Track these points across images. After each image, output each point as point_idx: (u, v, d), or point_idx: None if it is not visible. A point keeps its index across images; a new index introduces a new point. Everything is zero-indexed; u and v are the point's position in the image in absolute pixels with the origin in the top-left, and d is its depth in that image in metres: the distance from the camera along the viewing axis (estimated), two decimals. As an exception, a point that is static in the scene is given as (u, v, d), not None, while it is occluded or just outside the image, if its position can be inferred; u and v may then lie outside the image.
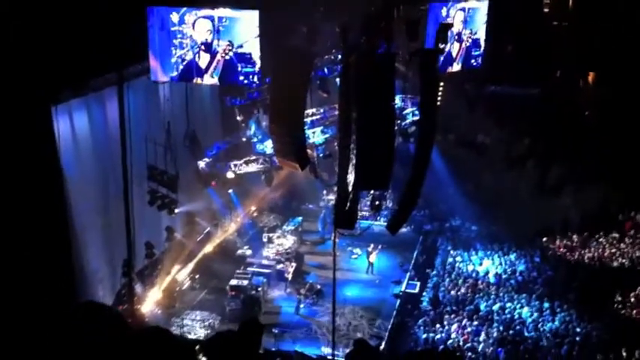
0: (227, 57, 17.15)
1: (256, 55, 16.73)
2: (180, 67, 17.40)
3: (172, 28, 17.25)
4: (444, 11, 19.23)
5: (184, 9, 16.97)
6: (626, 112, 26.35)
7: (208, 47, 17.14)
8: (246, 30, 16.91)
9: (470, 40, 20.10)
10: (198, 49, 17.15)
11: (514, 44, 21.34)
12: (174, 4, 17.36)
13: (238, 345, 8.68)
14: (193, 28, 17.17)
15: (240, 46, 17.05)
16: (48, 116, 15.82)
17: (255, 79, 17.18)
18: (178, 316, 21.90)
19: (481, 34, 20.64)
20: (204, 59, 17.27)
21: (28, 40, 13.91)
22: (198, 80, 17.63)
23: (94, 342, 5.49)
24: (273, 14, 16.46)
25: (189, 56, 17.25)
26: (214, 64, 17.26)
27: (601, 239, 26.55)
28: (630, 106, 26.38)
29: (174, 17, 17.10)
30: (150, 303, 21.65)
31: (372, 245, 25.30)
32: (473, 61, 20.86)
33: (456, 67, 20.14)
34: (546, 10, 21.22)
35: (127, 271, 19.79)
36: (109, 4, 15.25)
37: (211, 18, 17.01)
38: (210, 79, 17.56)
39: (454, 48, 19.75)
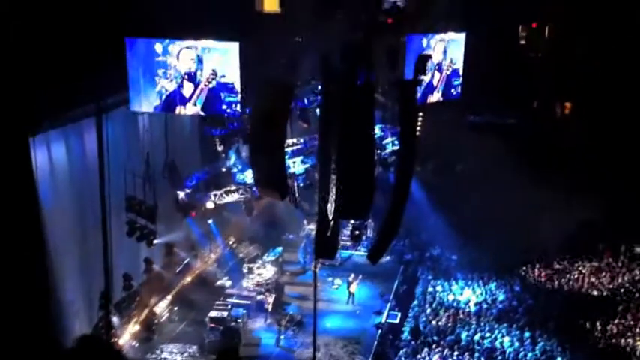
0: (210, 85, 17.39)
1: (238, 85, 16.87)
2: (164, 96, 17.59)
3: (157, 59, 17.48)
4: (424, 42, 19.51)
5: (167, 40, 17.12)
6: (603, 141, 26.75)
7: (192, 77, 17.39)
8: (228, 60, 17.15)
9: (450, 70, 20.39)
10: (181, 78, 17.34)
11: (491, 75, 21.67)
12: (155, 36, 17.45)
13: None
14: (177, 58, 17.37)
15: (223, 76, 17.28)
16: (26, 147, 15.66)
17: (238, 107, 17.36)
18: (157, 348, 21.59)
19: (460, 65, 20.92)
20: (187, 88, 17.53)
21: (5, 71, 13.83)
22: (182, 109, 17.80)
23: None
24: (253, 45, 16.58)
25: (172, 86, 17.39)
26: (198, 92, 17.51)
27: (580, 268, 26.75)
28: (606, 134, 26.79)
29: (158, 48, 17.40)
30: (128, 336, 21.31)
31: (352, 275, 25.24)
32: (453, 90, 21.12)
33: (437, 96, 20.37)
34: (522, 41, 21.64)
35: (105, 303, 19.49)
36: (88, 35, 15.27)
37: (195, 48, 17.23)
38: (193, 108, 17.74)
39: (435, 78, 19.98)
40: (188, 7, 17.25)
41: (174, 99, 17.64)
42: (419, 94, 18.26)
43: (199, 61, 17.30)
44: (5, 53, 13.89)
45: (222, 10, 17.14)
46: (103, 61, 15.88)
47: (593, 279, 26.08)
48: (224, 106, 17.52)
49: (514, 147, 26.65)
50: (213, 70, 17.23)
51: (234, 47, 17.16)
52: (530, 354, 21.26)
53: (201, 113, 18.08)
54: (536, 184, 25.53)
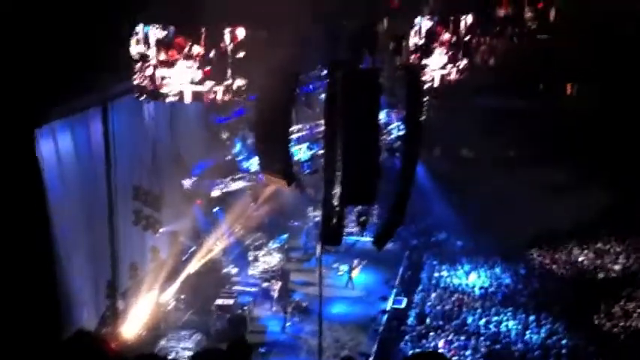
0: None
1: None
2: None
3: None
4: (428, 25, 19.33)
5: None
6: (611, 122, 26.62)
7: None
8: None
9: (456, 52, 20.21)
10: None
11: (499, 56, 21.57)
12: (160, 22, 17.34)
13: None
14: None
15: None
16: (31, 138, 15.67)
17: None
18: (163, 337, 21.65)
19: (466, 47, 20.76)
20: None
21: (10, 61, 13.80)
22: None
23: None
24: (258, 31, 16.52)
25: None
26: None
27: (586, 251, 26.78)
28: (614, 115, 26.66)
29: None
30: (134, 325, 21.38)
31: (355, 261, 25.30)
32: (459, 74, 20.94)
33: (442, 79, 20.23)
34: (529, 22, 21.49)
35: (111, 292, 19.65)
36: (93, 24, 15.23)
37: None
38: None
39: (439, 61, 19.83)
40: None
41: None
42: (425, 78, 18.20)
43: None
44: (9, 43, 13.87)
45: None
46: (108, 49, 15.87)
47: (598, 262, 26.12)
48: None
49: (522, 130, 26.61)
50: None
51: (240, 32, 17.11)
52: (535, 337, 21.35)
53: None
54: (543, 167, 25.54)
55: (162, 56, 15.40)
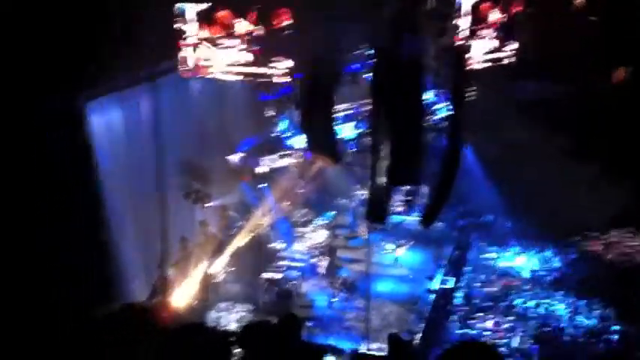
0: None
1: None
2: None
3: None
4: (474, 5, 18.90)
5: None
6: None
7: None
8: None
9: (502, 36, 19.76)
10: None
11: (546, 41, 20.92)
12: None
13: (278, 338, 8.77)
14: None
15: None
16: (82, 112, 16.10)
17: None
18: (213, 308, 22.09)
19: (514, 30, 20.26)
20: None
21: (59, 38, 14.13)
22: None
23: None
24: (303, 11, 16.48)
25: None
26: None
27: (637, 236, 26.00)
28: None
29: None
30: (185, 296, 21.88)
31: (402, 240, 25.20)
32: (507, 57, 20.47)
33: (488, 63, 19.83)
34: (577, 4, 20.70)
35: (162, 264, 20.13)
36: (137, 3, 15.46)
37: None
38: None
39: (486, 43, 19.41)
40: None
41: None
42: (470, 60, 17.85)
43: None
44: (58, 22, 14.19)
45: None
46: (155, 26, 16.10)
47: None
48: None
49: (569, 115, 25.84)
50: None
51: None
52: (586, 321, 20.99)
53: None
54: (592, 153, 24.82)
55: (205, 34, 15.48)
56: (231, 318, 21.79)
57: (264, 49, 16.51)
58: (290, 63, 16.69)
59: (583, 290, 22.61)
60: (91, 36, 14.68)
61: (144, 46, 15.85)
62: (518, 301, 22.19)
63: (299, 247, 25.53)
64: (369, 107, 17.05)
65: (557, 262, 24.90)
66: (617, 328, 20.53)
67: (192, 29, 16.46)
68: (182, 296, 21.83)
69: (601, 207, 25.28)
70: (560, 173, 24.93)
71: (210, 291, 23.07)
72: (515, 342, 20.05)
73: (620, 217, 26.16)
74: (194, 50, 16.96)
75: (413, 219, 24.68)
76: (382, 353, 18.69)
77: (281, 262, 24.14)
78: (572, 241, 26.09)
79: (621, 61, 25.98)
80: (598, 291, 22.47)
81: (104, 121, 17.44)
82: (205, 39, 16.78)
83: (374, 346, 19.09)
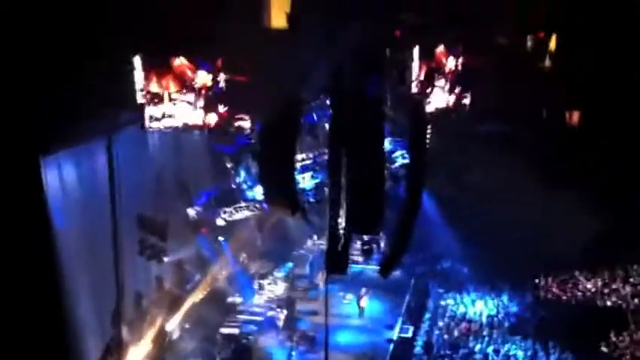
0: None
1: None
2: None
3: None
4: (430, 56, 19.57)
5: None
6: (615, 148, 26.50)
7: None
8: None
9: (457, 81, 20.41)
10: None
11: (500, 85, 21.68)
12: (163, 53, 17.59)
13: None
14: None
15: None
16: (36, 167, 15.76)
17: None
18: (168, 367, 21.51)
19: (467, 75, 20.96)
20: None
21: (15, 93, 13.94)
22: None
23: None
24: (261, 62, 16.71)
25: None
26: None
27: (592, 279, 26.56)
28: (618, 142, 26.56)
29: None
30: (139, 354, 21.24)
31: (363, 290, 25.15)
32: (461, 100, 21.11)
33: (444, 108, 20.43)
34: (528, 50, 21.62)
35: (116, 321, 19.57)
36: (97, 54, 15.41)
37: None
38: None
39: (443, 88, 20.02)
40: (194, 24, 17.40)
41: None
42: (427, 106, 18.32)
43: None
44: (15, 75, 14.01)
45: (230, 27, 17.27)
46: (113, 79, 16.05)
47: (606, 290, 25.89)
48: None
49: (524, 157, 26.56)
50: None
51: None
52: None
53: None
54: (547, 195, 25.45)
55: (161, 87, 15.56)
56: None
57: (223, 101, 16.61)
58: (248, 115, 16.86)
59: (540, 334, 22.82)
60: (47, 92, 14.52)
61: (100, 102, 15.75)
62: (477, 348, 22.23)
63: (257, 300, 25.22)
64: (327, 157, 17.16)
65: (514, 307, 25.12)
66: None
67: (149, 83, 16.49)
68: (137, 355, 21.21)
69: (557, 249, 25.85)
70: (515, 217, 25.51)
71: (165, 349, 22.48)
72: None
73: (577, 260, 26.76)
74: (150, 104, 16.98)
75: (372, 268, 24.70)
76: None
77: (239, 316, 23.78)
78: (529, 284, 26.50)
79: (575, 103, 27.02)
80: (555, 334, 22.74)
81: (59, 176, 17.10)
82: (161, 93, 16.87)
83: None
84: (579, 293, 26.06)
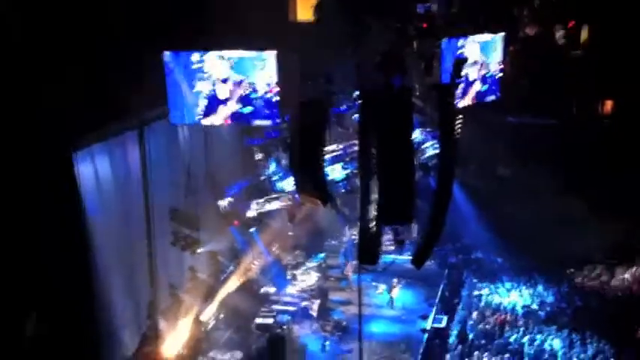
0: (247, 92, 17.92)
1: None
2: (205, 102, 18.27)
3: (193, 67, 17.95)
4: (459, 45, 19.37)
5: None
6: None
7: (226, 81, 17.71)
8: (264, 69, 17.48)
9: (487, 71, 20.17)
10: (219, 82, 17.97)
11: (530, 76, 21.36)
12: (191, 48, 17.77)
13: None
14: (214, 65, 17.74)
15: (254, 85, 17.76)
16: (70, 162, 16.02)
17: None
18: (204, 356, 21.73)
19: (498, 66, 20.74)
20: (224, 91, 18.06)
21: (48, 88, 14.16)
22: (223, 108, 18.17)
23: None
24: (289, 54, 16.73)
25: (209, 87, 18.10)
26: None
27: (630, 268, 26.10)
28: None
29: (195, 57, 17.92)
30: (175, 344, 21.54)
31: (395, 280, 25.11)
32: (491, 93, 20.89)
33: (474, 99, 20.20)
34: (561, 41, 21.23)
35: (152, 312, 19.87)
36: (128, 49, 15.58)
37: (229, 58, 17.79)
38: (234, 106, 18.33)
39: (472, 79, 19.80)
40: (223, 18, 17.52)
41: (214, 102, 18.30)
42: (457, 97, 18.13)
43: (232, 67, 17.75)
44: (48, 71, 14.23)
45: (257, 20, 17.34)
46: (144, 74, 16.22)
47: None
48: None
49: (556, 148, 26.19)
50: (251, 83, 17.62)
51: (271, 55, 17.53)
52: (582, 355, 20.88)
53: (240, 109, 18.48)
54: (582, 185, 25.06)
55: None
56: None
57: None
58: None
59: (577, 324, 22.52)
60: (79, 86, 14.72)
61: (131, 95, 15.93)
62: (512, 338, 22.03)
63: (290, 290, 25.34)
64: (357, 148, 17.11)
65: (549, 297, 24.82)
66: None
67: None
68: (172, 345, 21.50)
69: (592, 238, 25.46)
70: (550, 207, 25.15)
71: (201, 338, 22.74)
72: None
73: (611, 250, 26.33)
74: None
75: (404, 258, 24.62)
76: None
77: (272, 306, 23.92)
78: (564, 274, 26.15)
79: (607, 94, 26.52)
80: (592, 324, 22.43)
81: (93, 169, 17.36)
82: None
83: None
84: (616, 283, 25.65)
